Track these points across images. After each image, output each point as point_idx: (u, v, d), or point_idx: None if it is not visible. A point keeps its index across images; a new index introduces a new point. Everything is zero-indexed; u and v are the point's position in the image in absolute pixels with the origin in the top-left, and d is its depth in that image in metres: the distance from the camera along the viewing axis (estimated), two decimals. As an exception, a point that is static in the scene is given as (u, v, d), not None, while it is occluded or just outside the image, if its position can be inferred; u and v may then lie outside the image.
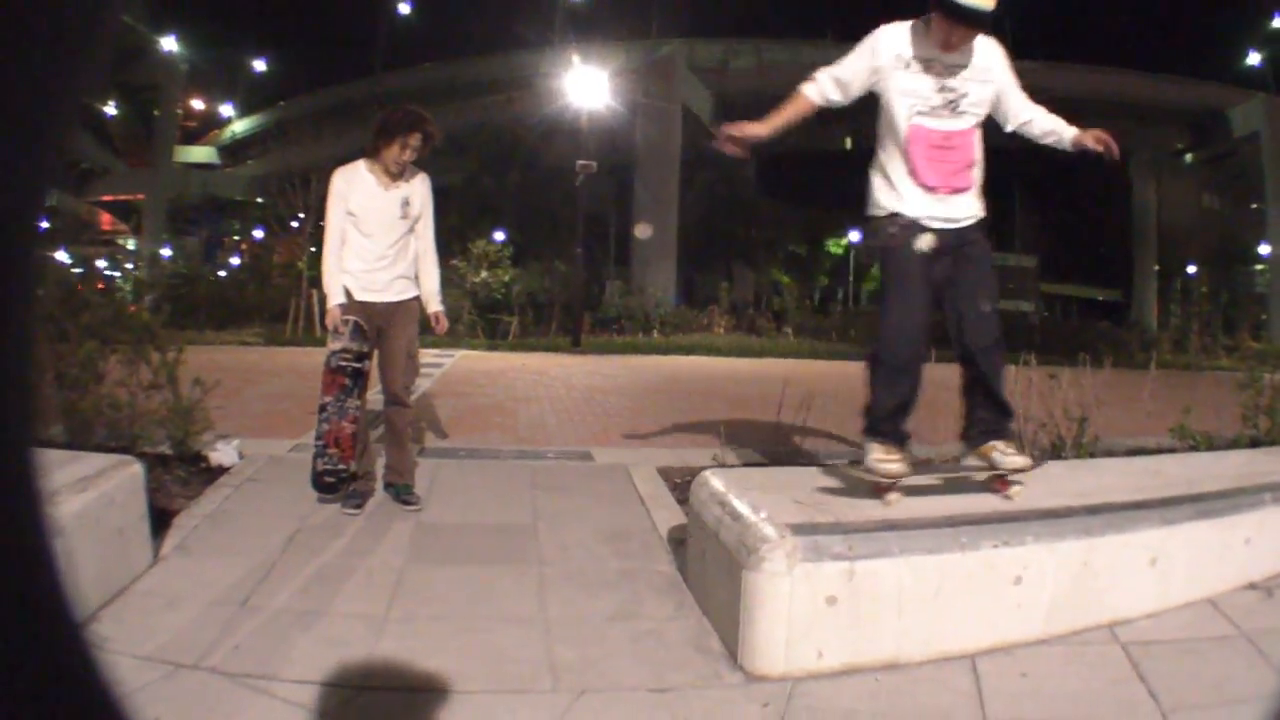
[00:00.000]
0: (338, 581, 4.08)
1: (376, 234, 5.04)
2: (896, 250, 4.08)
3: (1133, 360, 20.37)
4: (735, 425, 7.45)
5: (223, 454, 5.98)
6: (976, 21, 3.93)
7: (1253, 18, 49.01)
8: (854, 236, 47.32)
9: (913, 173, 4.08)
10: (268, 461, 6.20)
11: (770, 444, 6.72)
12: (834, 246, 54.73)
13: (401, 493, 5.29)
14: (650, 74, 41.86)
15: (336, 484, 5.04)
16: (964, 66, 4.10)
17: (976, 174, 4.28)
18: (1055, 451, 6.11)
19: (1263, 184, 51.24)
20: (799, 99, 4.41)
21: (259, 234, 34.05)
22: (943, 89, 4.11)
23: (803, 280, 52.35)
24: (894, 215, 4.11)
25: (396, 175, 5.06)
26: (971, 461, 4.29)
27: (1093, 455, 6.05)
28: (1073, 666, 3.45)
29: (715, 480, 4.09)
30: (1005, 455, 4.07)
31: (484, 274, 26.94)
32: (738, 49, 49.02)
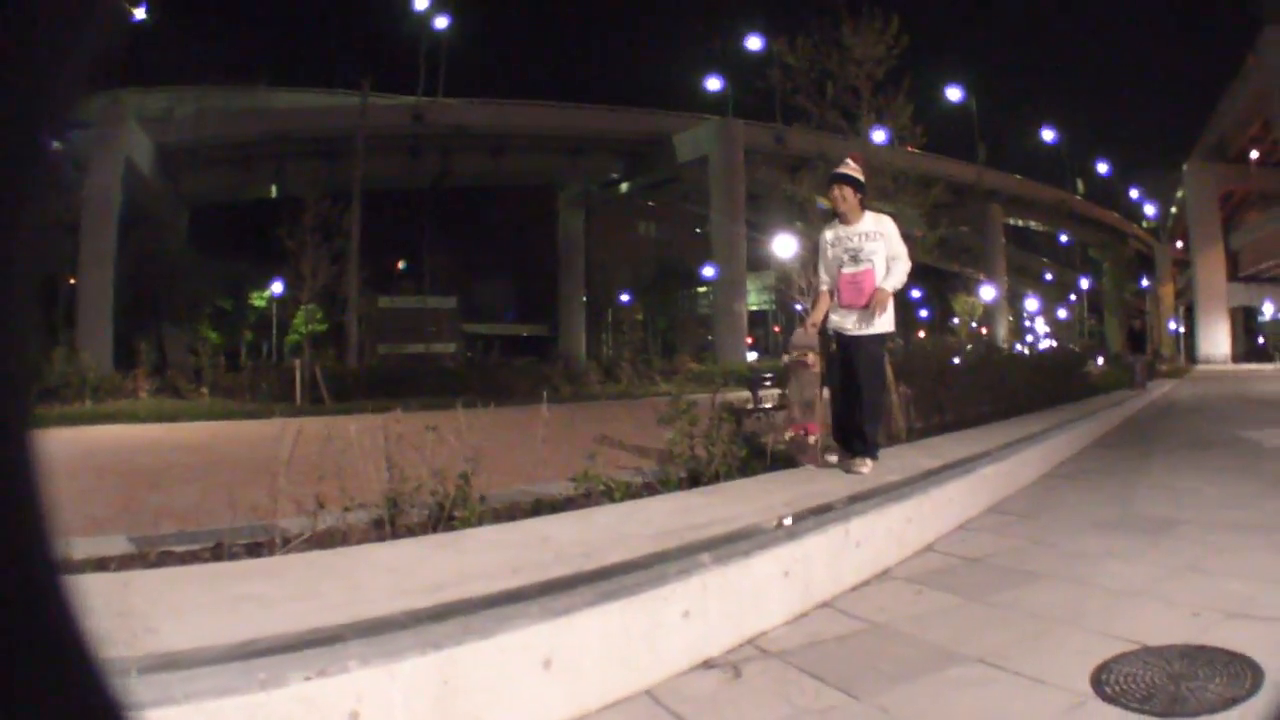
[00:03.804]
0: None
1: None
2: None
3: (558, 394, 20.72)
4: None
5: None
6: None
7: (701, 44, 52.80)
8: (277, 288, 47.97)
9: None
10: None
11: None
12: (258, 299, 53.64)
13: None
14: (100, 125, 41.49)
15: None
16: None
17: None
18: (430, 520, 5.33)
19: (707, 208, 54.94)
20: (823, 296, 7.35)
21: None
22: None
23: (229, 335, 53.37)
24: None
25: None
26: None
27: (478, 522, 5.29)
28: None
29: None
30: None
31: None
32: (182, 97, 50.39)
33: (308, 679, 2.66)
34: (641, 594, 3.62)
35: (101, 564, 4.59)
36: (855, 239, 7.03)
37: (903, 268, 7.02)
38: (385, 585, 3.71)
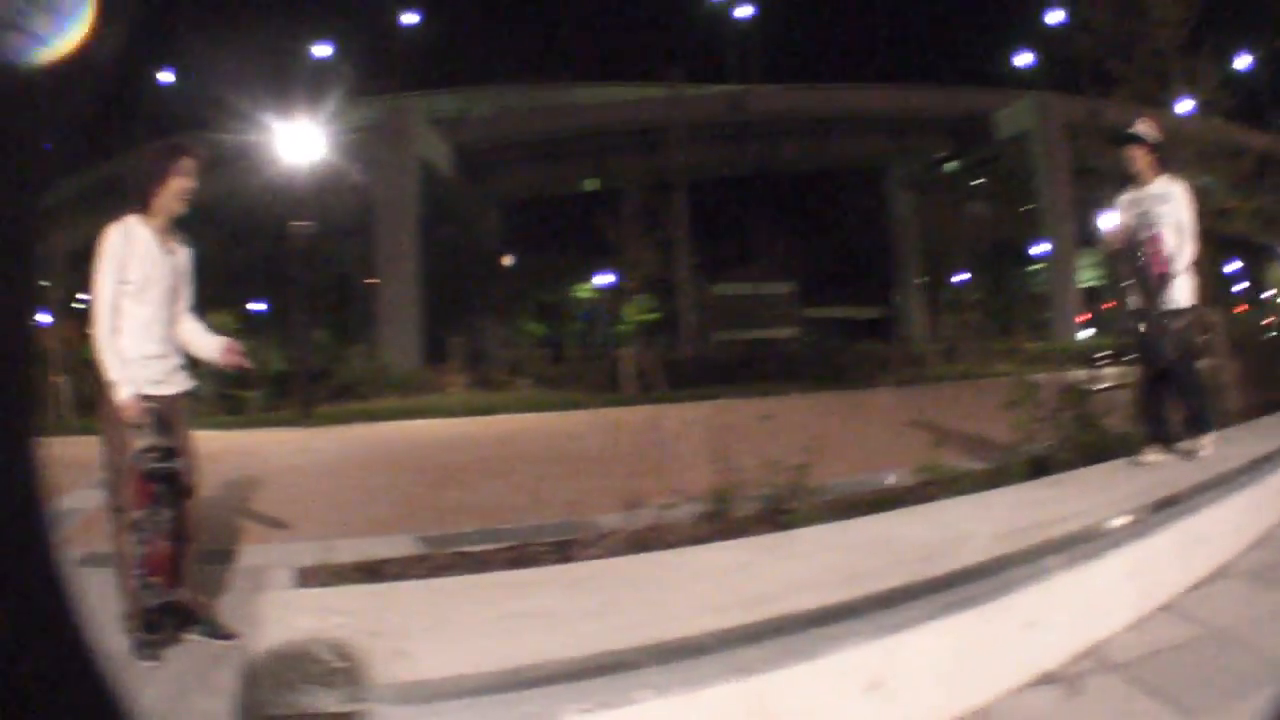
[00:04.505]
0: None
1: (160, 309, 4.43)
2: None
3: (898, 377, 21.22)
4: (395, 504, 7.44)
5: None
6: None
7: (1014, 20, 52.75)
8: (602, 280, 48.05)
9: None
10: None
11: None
12: (583, 291, 54.38)
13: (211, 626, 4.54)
14: (387, 129, 43.34)
15: (163, 621, 4.29)
16: None
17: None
18: (758, 519, 5.24)
19: (1032, 184, 53.80)
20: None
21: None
22: None
23: (554, 328, 53.56)
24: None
25: (169, 231, 4.51)
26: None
27: (812, 519, 5.13)
28: None
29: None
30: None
31: (216, 349, 27.23)
32: (477, 98, 51.35)
33: (586, 712, 2.48)
34: (983, 604, 3.42)
35: (374, 570, 4.89)
36: (1146, 202, 6.81)
37: (1189, 238, 6.65)
38: (698, 598, 3.57)
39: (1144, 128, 6.87)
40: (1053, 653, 3.54)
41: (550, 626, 3.15)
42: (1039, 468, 6.43)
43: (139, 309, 4.31)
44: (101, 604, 4.27)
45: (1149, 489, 5.38)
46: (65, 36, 1.03)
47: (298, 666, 2.81)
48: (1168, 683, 3.34)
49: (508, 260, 51.98)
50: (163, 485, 4.24)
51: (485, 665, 2.74)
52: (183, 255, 4.59)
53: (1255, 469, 5.88)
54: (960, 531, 4.43)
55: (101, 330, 4.22)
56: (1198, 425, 6.63)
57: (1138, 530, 4.42)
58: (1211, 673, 3.44)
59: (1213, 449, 6.43)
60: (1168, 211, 6.65)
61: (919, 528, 4.66)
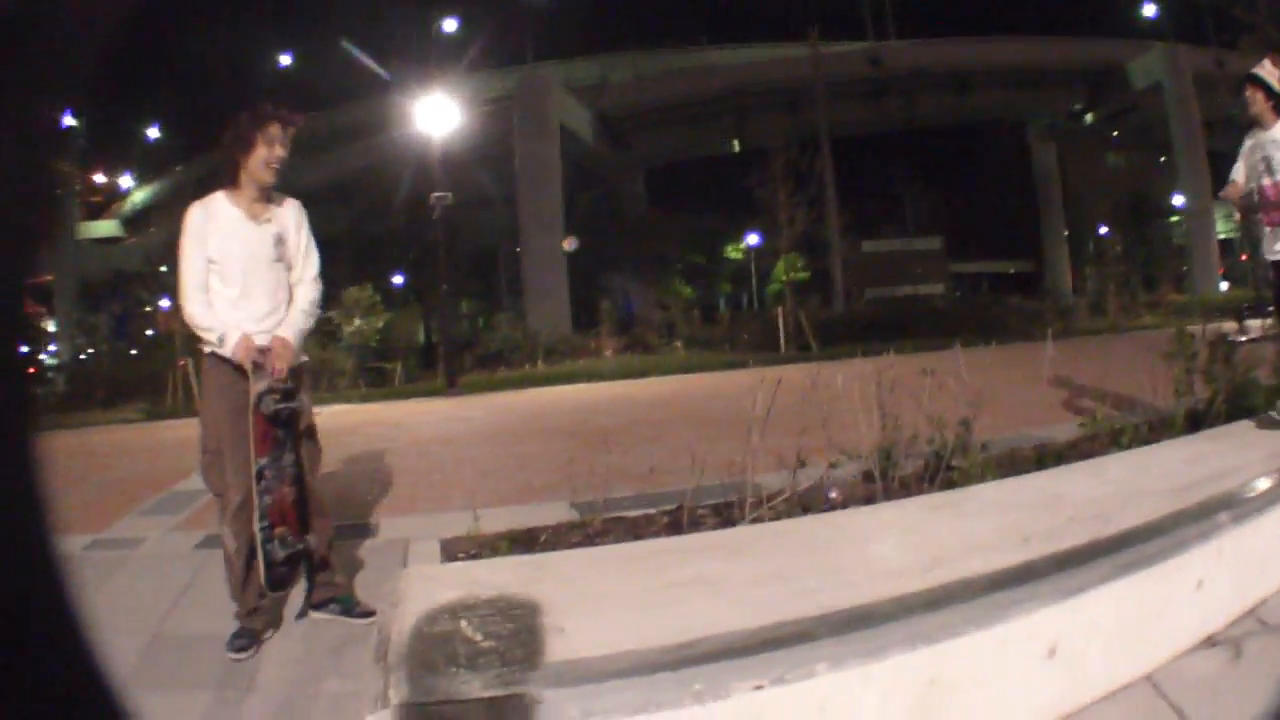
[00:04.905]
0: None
1: (252, 282, 4.26)
2: None
3: (1048, 330, 20.47)
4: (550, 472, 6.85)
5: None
6: None
7: None
8: (753, 239, 48.74)
9: None
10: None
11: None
12: (733, 252, 55.64)
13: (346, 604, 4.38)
14: (526, 98, 43.89)
15: (291, 572, 4.17)
16: None
17: None
18: (927, 473, 5.12)
19: (1168, 136, 52.56)
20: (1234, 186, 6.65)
21: (165, 304, 34.65)
22: None
23: (706, 290, 54.39)
24: None
25: (265, 202, 4.33)
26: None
27: (979, 475, 5.02)
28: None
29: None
30: None
31: (358, 322, 28.64)
32: (614, 64, 51.47)
33: (759, 688, 2.33)
34: (1160, 564, 3.23)
35: (528, 538, 4.70)
36: (1269, 146, 6.41)
37: None
38: (871, 561, 3.39)
39: (1267, 69, 6.47)
40: (1219, 614, 3.42)
41: (715, 595, 2.98)
42: (1195, 421, 6.28)
43: (225, 287, 4.21)
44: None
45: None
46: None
47: (443, 647, 2.62)
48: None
49: (673, 226, 50.97)
50: (284, 429, 4.15)
51: (648, 640, 2.56)
52: (285, 221, 4.39)
53: None
54: (1130, 488, 4.27)
55: (191, 306, 4.15)
56: None
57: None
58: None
59: None
60: None
61: (1088, 484, 4.47)
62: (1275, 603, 3.61)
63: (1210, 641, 3.26)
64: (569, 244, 40.09)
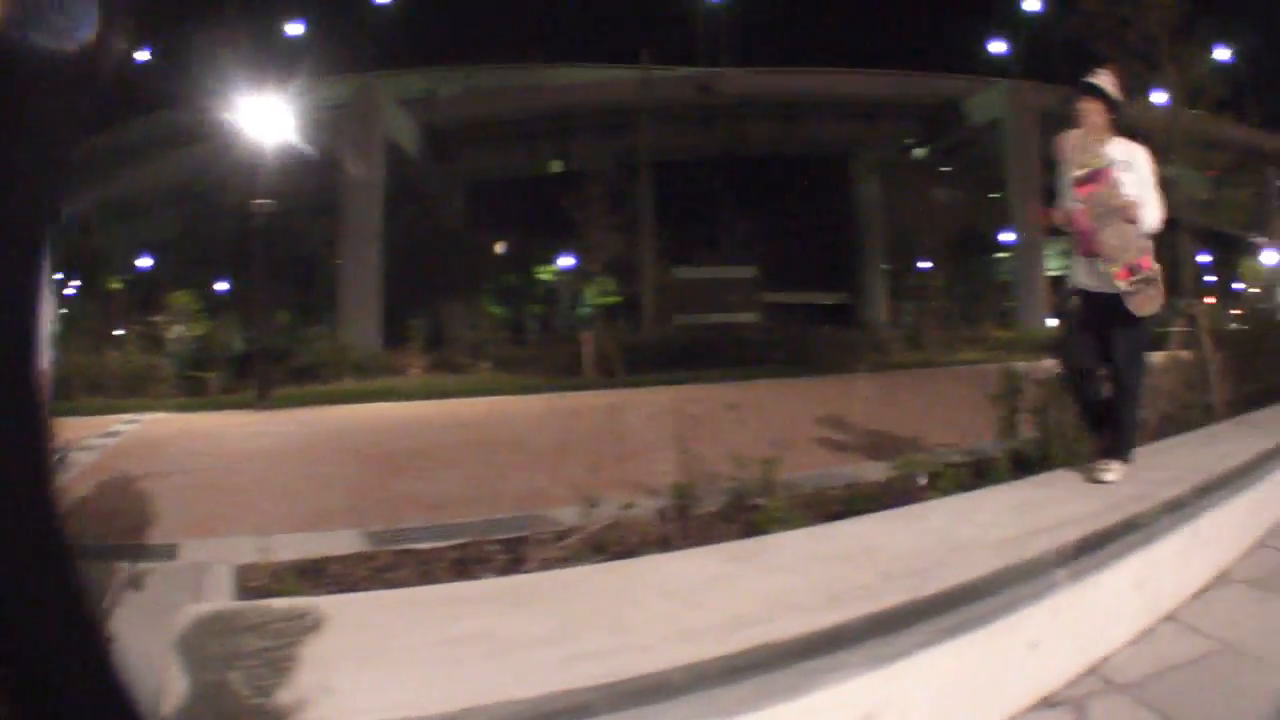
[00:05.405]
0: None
1: None
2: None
3: (861, 364, 19.51)
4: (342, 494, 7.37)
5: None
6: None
7: (987, 7, 52.72)
8: (565, 262, 48.87)
9: None
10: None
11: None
12: (544, 273, 54.76)
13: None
14: (356, 107, 43.47)
15: None
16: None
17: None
18: (724, 516, 5.02)
19: (1002, 172, 54.17)
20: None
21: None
22: None
23: (514, 310, 52.85)
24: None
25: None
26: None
27: (784, 519, 4.79)
28: None
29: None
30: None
31: (179, 329, 28.77)
32: (446, 78, 50.69)
33: None
34: (988, 626, 3.10)
35: (315, 570, 4.58)
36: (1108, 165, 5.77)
37: (1155, 211, 5.58)
38: (664, 619, 3.17)
39: (1103, 79, 5.75)
40: (1056, 673, 3.31)
41: (497, 654, 2.84)
42: (1020, 463, 6.06)
43: None
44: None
45: (1150, 488, 5.01)
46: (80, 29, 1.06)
47: (213, 702, 2.57)
48: (1179, 705, 3.16)
49: (490, 245, 51.33)
50: None
51: (421, 706, 2.43)
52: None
53: (1255, 468, 5.66)
54: (952, 540, 4.11)
55: None
56: (1117, 444, 5.57)
57: (1144, 536, 4.14)
58: (1229, 694, 3.29)
59: (1118, 477, 5.37)
60: (1127, 180, 5.56)
61: (905, 535, 4.26)
62: (1119, 659, 3.54)
63: (1048, 702, 3.18)
64: (341, 267, 40.48)
